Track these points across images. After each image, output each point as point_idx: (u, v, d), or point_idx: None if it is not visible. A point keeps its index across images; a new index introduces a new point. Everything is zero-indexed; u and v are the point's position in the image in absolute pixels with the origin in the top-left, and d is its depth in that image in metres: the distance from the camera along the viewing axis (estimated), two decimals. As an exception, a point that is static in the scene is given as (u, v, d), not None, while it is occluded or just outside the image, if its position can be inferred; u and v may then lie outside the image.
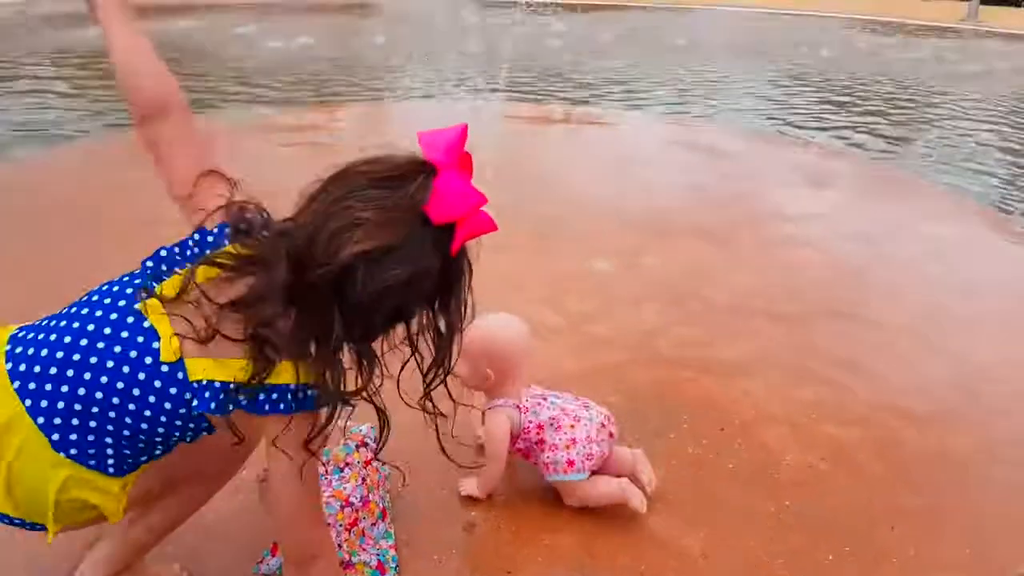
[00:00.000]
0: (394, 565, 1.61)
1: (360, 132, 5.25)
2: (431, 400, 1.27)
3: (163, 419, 1.17)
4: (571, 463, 1.75)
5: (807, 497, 1.90)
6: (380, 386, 1.21)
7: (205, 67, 7.43)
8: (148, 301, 1.16)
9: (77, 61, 7.70)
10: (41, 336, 1.20)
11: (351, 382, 1.18)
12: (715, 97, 7.64)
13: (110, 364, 1.15)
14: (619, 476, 1.82)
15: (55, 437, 1.15)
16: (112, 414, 1.16)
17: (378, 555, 1.61)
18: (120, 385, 1.15)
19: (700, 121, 6.45)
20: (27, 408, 1.15)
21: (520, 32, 9.28)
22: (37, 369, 1.16)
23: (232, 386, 1.13)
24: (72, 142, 4.90)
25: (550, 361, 2.40)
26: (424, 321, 1.21)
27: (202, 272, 1.16)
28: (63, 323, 1.20)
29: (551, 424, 1.79)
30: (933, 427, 2.22)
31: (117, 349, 1.15)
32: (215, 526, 1.66)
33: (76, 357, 1.16)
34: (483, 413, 1.85)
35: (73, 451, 1.16)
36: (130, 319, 1.17)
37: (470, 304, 1.23)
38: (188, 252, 1.22)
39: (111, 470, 1.20)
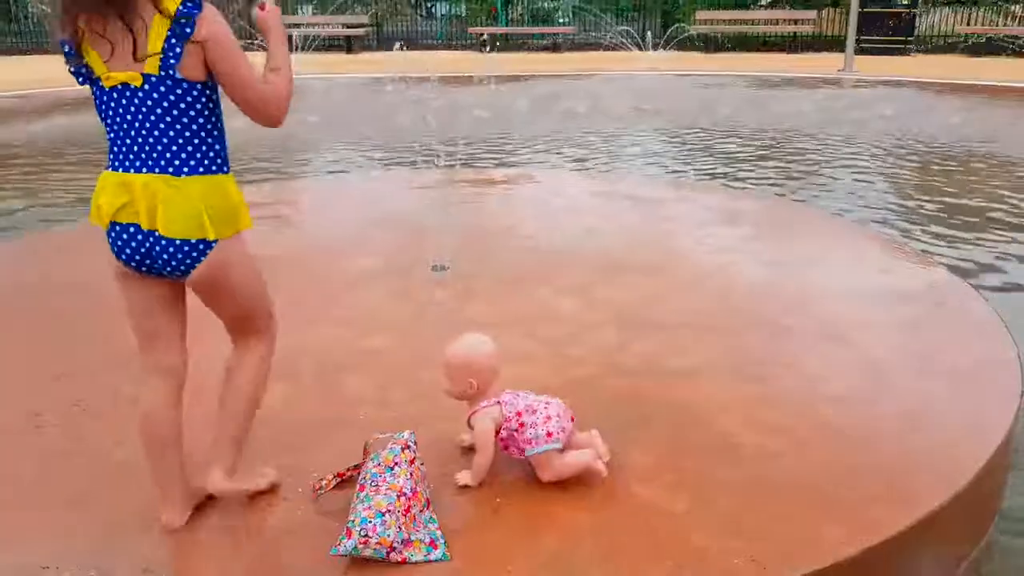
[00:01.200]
0: (443, 541, 1.96)
1: (315, 206, 5.60)
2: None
3: None
4: (549, 434, 2.16)
5: (762, 466, 2.33)
6: None
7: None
8: None
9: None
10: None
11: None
12: (626, 153, 8.33)
13: None
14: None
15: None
16: None
17: (429, 534, 1.96)
18: None
19: (617, 174, 7.08)
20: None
21: (440, 105, 9.83)
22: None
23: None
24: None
25: (535, 379, 2.78)
26: None
27: None
28: None
29: (528, 410, 2.20)
30: (850, 404, 2.70)
31: None
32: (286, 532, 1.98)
33: None
34: (468, 417, 2.24)
35: None
36: None
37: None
38: None
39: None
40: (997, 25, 18.34)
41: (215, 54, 1.81)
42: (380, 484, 1.97)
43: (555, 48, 20.77)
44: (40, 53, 21.02)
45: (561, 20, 22.75)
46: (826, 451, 2.42)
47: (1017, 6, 18.39)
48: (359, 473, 2.11)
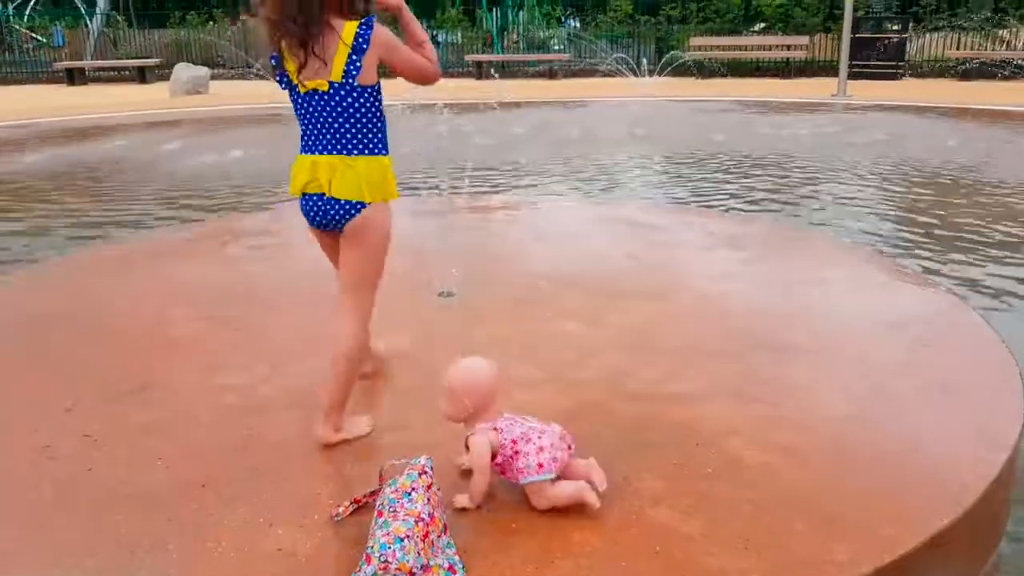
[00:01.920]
0: (461, 566, 1.98)
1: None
2: None
3: None
4: (541, 465, 2.18)
5: (771, 487, 2.36)
6: None
7: (171, 180, 7.74)
8: None
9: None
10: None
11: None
12: (625, 178, 8.41)
13: None
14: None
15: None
16: None
17: (448, 559, 1.99)
18: None
19: (617, 199, 7.16)
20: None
21: (442, 131, 9.93)
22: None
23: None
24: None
25: (544, 403, 2.84)
26: None
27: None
28: None
29: (523, 438, 2.22)
30: (855, 424, 2.74)
31: None
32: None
33: None
34: (466, 440, 2.27)
35: None
36: None
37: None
38: None
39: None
40: (986, 49, 18.58)
41: (387, 55, 2.43)
42: (398, 510, 1.99)
43: (551, 75, 20.99)
44: (36, 83, 21.23)
45: (556, 47, 22.99)
46: (834, 471, 2.46)
47: (1005, 31, 18.65)
48: (376, 499, 2.14)
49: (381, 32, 2.40)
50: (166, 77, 18.03)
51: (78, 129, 11.75)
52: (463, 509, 2.23)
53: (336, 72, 2.37)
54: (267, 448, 2.62)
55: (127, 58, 22.33)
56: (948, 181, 7.88)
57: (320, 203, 2.48)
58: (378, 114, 2.48)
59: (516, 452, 2.21)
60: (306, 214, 2.56)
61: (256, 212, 6.43)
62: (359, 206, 2.45)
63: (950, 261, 5.30)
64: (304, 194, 2.52)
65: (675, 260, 4.68)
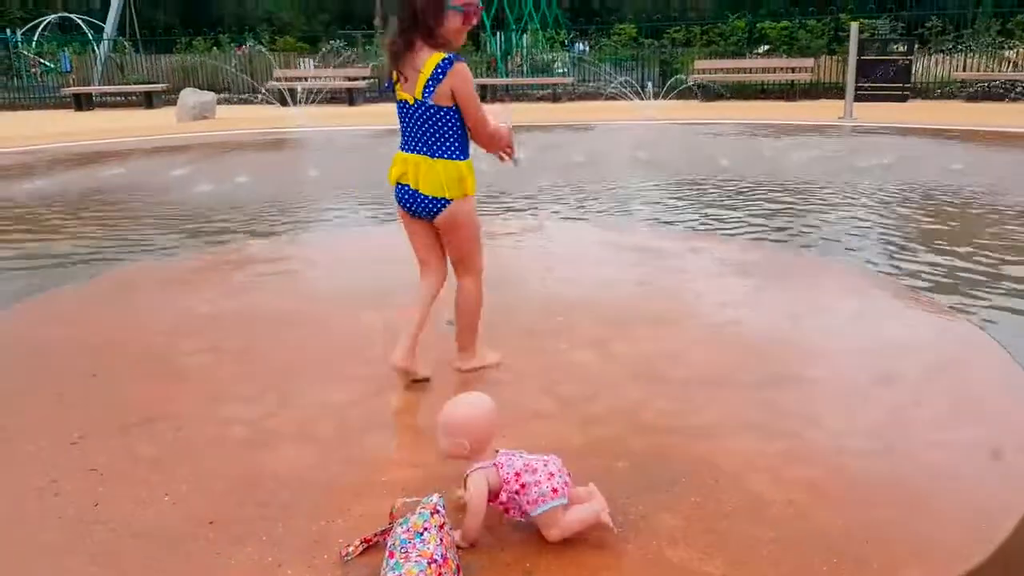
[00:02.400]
0: (475, 610, 1.92)
1: (325, 259, 5.63)
2: None
3: None
4: (555, 490, 2.13)
5: (794, 526, 2.30)
6: None
7: (158, 207, 7.74)
8: None
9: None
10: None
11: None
12: (632, 203, 8.37)
13: None
14: None
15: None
16: None
17: (461, 603, 1.92)
18: None
19: (625, 224, 7.12)
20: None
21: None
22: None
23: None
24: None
25: (558, 436, 2.79)
26: None
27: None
28: None
29: (526, 469, 2.16)
30: (877, 458, 2.68)
31: None
32: None
33: None
34: (464, 477, 2.21)
35: None
36: None
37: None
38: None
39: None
40: (993, 71, 18.60)
41: (457, 94, 2.98)
42: (410, 551, 1.94)
43: (555, 98, 21.06)
44: (44, 108, 21.39)
45: (560, 71, 23.09)
46: (858, 508, 2.39)
47: (1012, 52, 18.67)
48: (387, 538, 2.08)
49: (460, 72, 2.95)
50: (173, 102, 18.11)
51: (85, 154, 11.78)
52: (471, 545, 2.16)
53: (417, 91, 2.97)
54: (275, 483, 2.56)
55: (134, 83, 22.48)
56: (964, 204, 7.82)
57: (411, 194, 3.06)
58: (455, 127, 3.01)
59: (523, 485, 2.15)
60: (399, 200, 3.13)
61: (263, 239, 6.41)
62: (444, 202, 3.03)
63: (964, 287, 5.23)
64: (398, 183, 3.10)
65: (687, 287, 4.63)
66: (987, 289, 5.17)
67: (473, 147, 3.14)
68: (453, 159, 3.02)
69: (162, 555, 2.21)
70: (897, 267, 5.70)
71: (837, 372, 3.38)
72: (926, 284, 5.22)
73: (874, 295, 4.54)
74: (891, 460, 2.67)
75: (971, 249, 6.08)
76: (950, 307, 4.46)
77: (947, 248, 6.18)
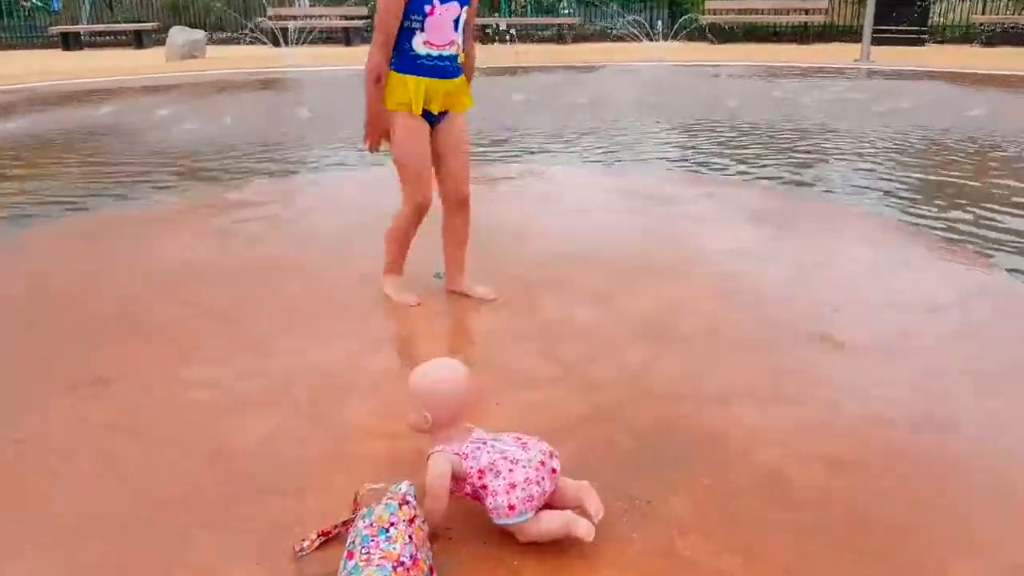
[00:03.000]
0: (453, 618, 1.64)
1: (310, 205, 5.29)
2: None
3: None
4: (512, 507, 1.80)
5: (817, 508, 2.02)
6: None
7: (146, 148, 7.37)
8: None
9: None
10: None
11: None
12: (638, 147, 7.95)
13: None
14: (564, 509, 1.88)
15: None
16: None
17: (433, 609, 1.64)
18: None
19: (631, 169, 6.73)
20: None
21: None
22: None
23: None
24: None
25: (555, 405, 2.50)
26: None
27: None
28: None
29: (491, 469, 1.84)
30: (910, 429, 2.38)
31: None
32: None
33: None
34: (427, 457, 1.91)
35: None
36: None
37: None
38: None
39: None
40: (1013, 14, 17.87)
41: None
42: (372, 551, 1.64)
43: (560, 39, 20.37)
44: (31, 47, 20.77)
45: (565, 11, 22.32)
46: (888, 487, 2.12)
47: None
48: (347, 531, 1.79)
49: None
50: (163, 41, 17.48)
51: (69, 94, 11.33)
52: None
53: None
54: (237, 456, 2.28)
55: (123, 22, 21.77)
56: (985, 151, 7.40)
57: None
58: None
59: (484, 486, 1.84)
60: None
61: (247, 181, 6.03)
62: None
63: (994, 235, 4.86)
64: None
65: (697, 235, 4.30)
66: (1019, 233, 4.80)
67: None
68: (390, 69, 3.10)
69: (112, 545, 1.92)
70: (925, 215, 5.29)
71: (862, 330, 3.08)
72: (949, 229, 4.85)
73: (902, 244, 4.21)
74: (926, 432, 2.38)
75: (998, 193, 5.69)
76: (978, 253, 4.10)
77: (981, 194, 5.77)
